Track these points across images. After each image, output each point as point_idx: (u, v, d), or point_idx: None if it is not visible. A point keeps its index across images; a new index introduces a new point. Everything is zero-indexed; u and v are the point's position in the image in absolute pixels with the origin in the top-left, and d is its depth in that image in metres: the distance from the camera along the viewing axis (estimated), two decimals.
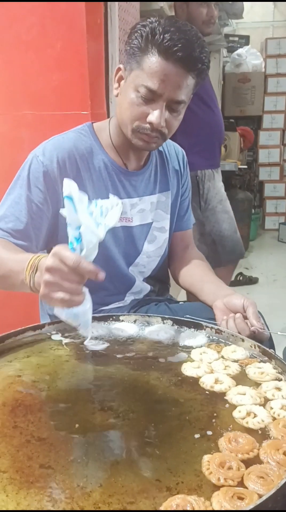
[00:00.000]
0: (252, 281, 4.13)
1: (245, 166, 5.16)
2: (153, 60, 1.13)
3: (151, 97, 1.16)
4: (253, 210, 5.32)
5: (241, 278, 4.09)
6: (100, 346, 1.08)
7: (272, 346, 1.24)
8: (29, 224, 1.22)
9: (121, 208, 0.94)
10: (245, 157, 5.38)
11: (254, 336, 1.10)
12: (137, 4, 2.23)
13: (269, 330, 1.17)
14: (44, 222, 1.24)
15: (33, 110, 1.84)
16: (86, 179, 1.26)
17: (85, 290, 0.93)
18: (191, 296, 1.50)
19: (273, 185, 5.91)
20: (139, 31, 1.15)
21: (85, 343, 1.07)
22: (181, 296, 2.38)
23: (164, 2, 2.63)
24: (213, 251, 2.47)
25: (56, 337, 1.12)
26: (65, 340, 1.10)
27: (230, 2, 3.83)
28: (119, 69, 1.24)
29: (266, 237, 5.76)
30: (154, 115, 1.16)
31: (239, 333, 1.10)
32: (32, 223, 1.22)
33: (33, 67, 1.79)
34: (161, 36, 1.11)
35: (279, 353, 1.84)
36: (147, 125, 1.19)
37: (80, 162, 1.26)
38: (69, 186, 0.88)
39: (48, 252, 1.23)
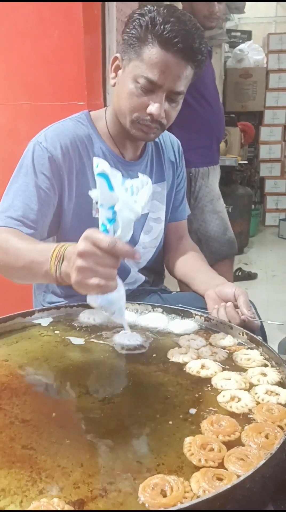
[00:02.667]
0: (251, 276, 4.13)
1: (246, 162, 5.14)
2: (153, 51, 1.12)
3: (151, 88, 1.15)
4: (253, 206, 5.31)
5: (240, 274, 4.09)
6: (134, 341, 1.02)
7: (264, 335, 1.24)
8: (40, 211, 1.19)
9: (151, 187, 0.91)
10: (245, 152, 5.36)
11: (245, 325, 1.10)
12: None
13: (260, 319, 1.17)
14: (51, 210, 1.22)
15: (29, 101, 1.84)
16: (87, 166, 1.25)
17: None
18: (183, 287, 1.50)
19: (274, 181, 5.89)
20: (137, 20, 1.14)
21: (117, 339, 1.02)
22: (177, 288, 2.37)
23: None
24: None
25: (45, 320, 1.12)
26: (56, 330, 1.10)
27: None
28: (116, 58, 1.23)
29: (266, 233, 5.75)
30: (154, 107, 1.16)
31: (230, 321, 1.10)
32: (42, 210, 1.19)
33: (30, 57, 1.79)
34: (162, 27, 1.10)
35: (275, 346, 1.84)
36: (147, 116, 1.18)
37: (82, 149, 1.25)
38: (101, 164, 0.84)
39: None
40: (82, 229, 1.24)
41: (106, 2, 1.96)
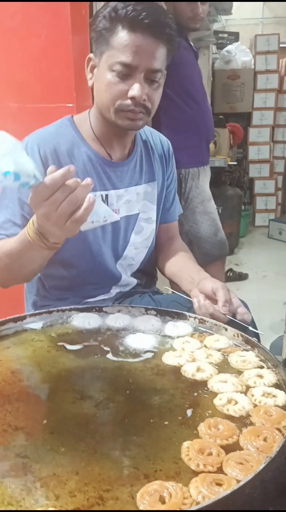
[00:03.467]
0: (242, 277, 4.13)
1: (235, 163, 5.15)
2: (121, 35, 1.12)
3: (127, 72, 1.14)
4: (243, 207, 5.32)
5: (231, 274, 4.09)
6: (145, 345, 1.02)
7: (256, 335, 1.23)
8: (25, 225, 1.18)
9: (9, 141, 0.92)
10: (234, 153, 5.37)
11: (238, 322, 1.10)
12: None
13: (251, 314, 1.16)
14: None
15: (17, 102, 1.82)
16: None
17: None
18: (176, 288, 1.49)
19: (263, 182, 5.91)
20: (101, 15, 1.15)
21: (128, 342, 1.03)
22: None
23: None
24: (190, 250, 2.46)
25: (37, 325, 1.10)
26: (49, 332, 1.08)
27: None
28: (89, 59, 1.23)
29: (256, 233, 5.76)
30: (135, 89, 1.15)
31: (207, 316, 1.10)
32: (27, 223, 1.19)
33: (17, 57, 1.77)
34: (124, 10, 1.11)
35: (267, 347, 1.84)
36: (129, 101, 1.16)
37: (63, 157, 1.25)
38: None
39: None
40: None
41: (93, 3, 1.94)
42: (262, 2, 5.97)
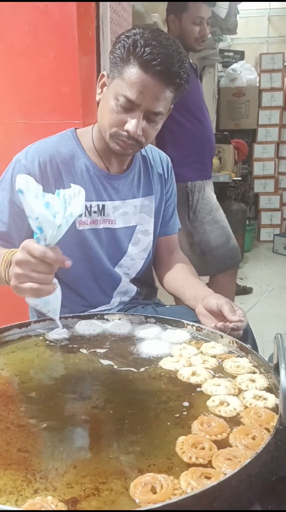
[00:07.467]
0: (246, 291, 4.16)
1: (239, 178, 5.21)
2: (133, 71, 1.17)
3: (129, 107, 1.20)
4: (248, 222, 5.37)
5: (235, 288, 4.11)
6: (63, 335, 1.14)
7: (254, 343, 1.27)
8: (11, 225, 1.27)
9: (84, 195, 1.00)
10: (239, 169, 5.44)
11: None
12: (129, 17, 2.29)
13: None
14: (25, 223, 1.26)
15: (26, 119, 1.88)
16: (68, 181, 1.30)
17: (55, 280, 0.99)
18: (179, 300, 1.53)
19: (268, 197, 5.97)
20: (122, 42, 1.19)
21: (49, 334, 1.14)
22: (170, 301, 2.40)
23: (158, 17, 2.69)
24: (203, 261, 2.49)
25: (41, 331, 1.16)
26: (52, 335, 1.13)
27: (223, 18, 3.91)
28: (103, 75, 1.29)
29: (261, 248, 5.80)
30: (131, 124, 1.20)
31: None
32: (15, 224, 1.27)
33: (26, 77, 1.84)
34: (142, 49, 1.15)
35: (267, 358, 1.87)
36: (124, 132, 1.22)
37: (62, 165, 1.30)
38: (24, 180, 0.92)
39: None
40: (69, 241, 1.28)
41: (100, 24, 2.02)
42: (267, 22, 6.08)
